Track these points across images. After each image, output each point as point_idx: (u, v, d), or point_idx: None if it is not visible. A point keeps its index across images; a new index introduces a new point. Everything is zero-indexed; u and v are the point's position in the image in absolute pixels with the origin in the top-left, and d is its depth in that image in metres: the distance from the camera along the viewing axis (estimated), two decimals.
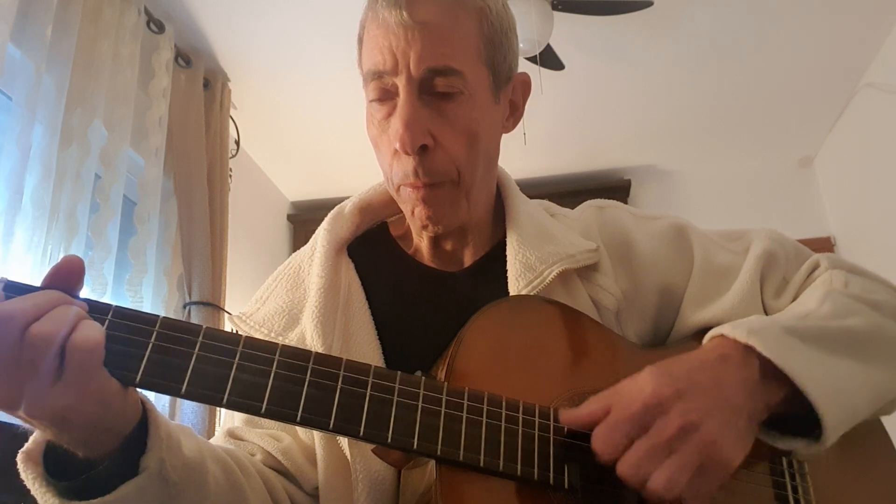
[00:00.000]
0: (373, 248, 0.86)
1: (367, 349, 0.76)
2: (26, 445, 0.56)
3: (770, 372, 0.63)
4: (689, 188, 3.99)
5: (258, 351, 0.57)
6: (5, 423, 0.58)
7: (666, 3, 2.66)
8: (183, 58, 2.67)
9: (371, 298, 0.81)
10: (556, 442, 0.62)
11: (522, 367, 0.67)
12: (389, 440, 0.58)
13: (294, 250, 0.91)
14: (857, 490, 0.74)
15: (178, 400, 2.25)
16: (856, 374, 0.67)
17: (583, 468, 0.62)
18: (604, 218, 0.87)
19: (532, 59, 2.68)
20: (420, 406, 0.60)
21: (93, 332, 0.51)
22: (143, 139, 2.37)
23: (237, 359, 0.56)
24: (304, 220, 4.00)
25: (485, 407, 0.62)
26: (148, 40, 2.42)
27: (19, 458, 0.55)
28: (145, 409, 0.58)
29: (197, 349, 0.55)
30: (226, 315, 2.55)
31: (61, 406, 0.50)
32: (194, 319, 2.47)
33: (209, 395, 0.55)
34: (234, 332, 0.71)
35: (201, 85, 2.74)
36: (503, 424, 0.61)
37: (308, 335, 0.76)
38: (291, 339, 0.77)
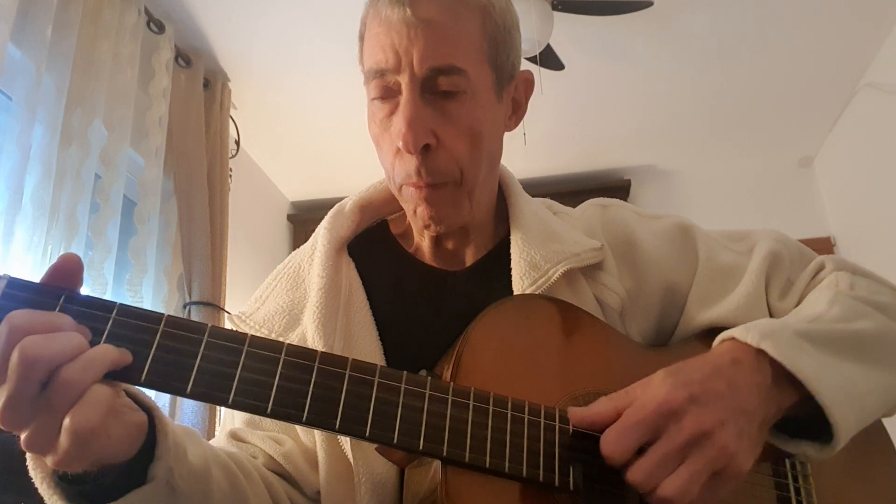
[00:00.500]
0: (373, 246, 0.86)
1: (368, 349, 0.76)
2: None
3: (782, 376, 0.62)
4: (689, 188, 3.99)
5: (263, 350, 0.57)
6: None
7: (666, 3, 2.66)
8: (183, 58, 2.66)
9: (372, 298, 0.80)
10: (561, 443, 0.62)
11: (528, 366, 0.67)
12: (395, 441, 0.57)
13: (294, 250, 0.90)
14: (858, 491, 0.74)
15: (179, 399, 2.25)
16: (866, 377, 0.66)
17: (588, 469, 0.61)
18: (607, 216, 0.86)
19: (532, 59, 2.68)
20: (426, 407, 0.59)
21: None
22: (143, 139, 2.36)
23: (243, 358, 0.55)
24: (304, 220, 4.00)
25: (490, 408, 0.61)
26: (148, 40, 2.42)
27: (28, 456, 0.55)
28: (152, 417, 0.57)
29: (202, 348, 0.55)
30: (226, 315, 2.55)
31: (65, 451, 0.49)
32: (194, 319, 2.46)
33: (214, 394, 0.54)
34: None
35: (201, 85, 2.74)
36: (509, 425, 0.61)
37: (309, 335, 0.75)
38: (292, 340, 0.76)
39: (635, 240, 0.83)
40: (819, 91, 3.29)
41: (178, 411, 2.32)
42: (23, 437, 0.49)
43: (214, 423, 2.38)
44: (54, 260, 0.55)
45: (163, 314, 0.55)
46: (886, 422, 0.78)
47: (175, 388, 0.53)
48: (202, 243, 2.53)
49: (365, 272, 0.82)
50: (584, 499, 0.61)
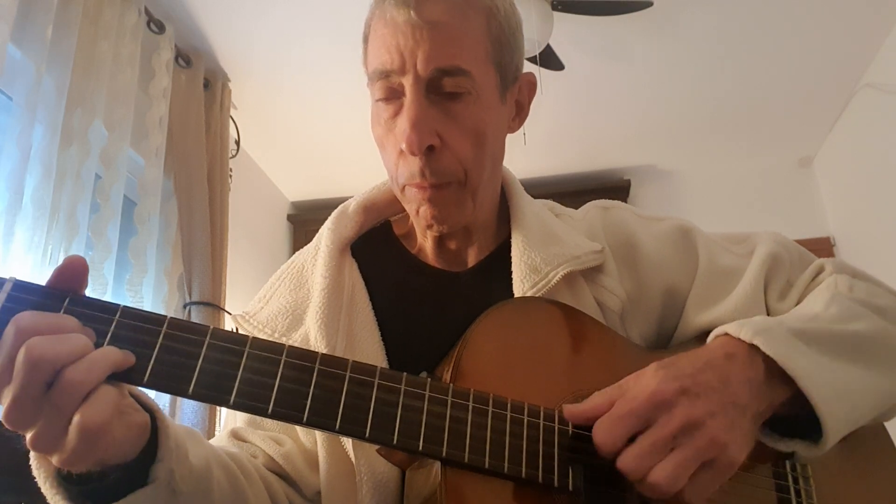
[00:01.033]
0: (376, 247, 0.86)
1: (370, 349, 0.76)
2: None
3: (774, 372, 0.63)
4: (689, 188, 3.99)
5: (265, 352, 0.57)
6: None
7: (666, 3, 2.66)
8: (183, 58, 2.66)
9: (374, 298, 0.81)
10: (560, 444, 0.62)
11: (527, 368, 0.67)
12: (395, 442, 0.58)
13: (294, 250, 0.91)
14: (859, 492, 0.74)
15: (180, 399, 2.25)
16: (859, 378, 0.67)
17: (587, 470, 0.62)
18: (608, 219, 0.87)
19: (532, 59, 2.68)
20: (426, 408, 0.59)
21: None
22: (143, 139, 2.37)
23: (244, 359, 0.56)
24: (304, 220, 4.00)
25: (490, 409, 0.61)
26: (148, 40, 2.42)
27: (32, 456, 0.55)
28: (155, 418, 0.58)
29: (204, 349, 0.55)
30: (226, 315, 2.55)
31: (71, 450, 0.50)
32: (194, 319, 2.47)
33: (216, 395, 0.55)
34: (237, 331, 0.71)
35: (201, 85, 2.74)
36: (508, 426, 0.61)
37: (312, 336, 0.76)
38: (295, 340, 0.77)
39: (636, 242, 0.83)
40: (819, 91, 3.29)
41: (178, 411, 2.32)
42: (28, 436, 0.50)
43: (214, 424, 2.38)
44: (55, 260, 0.55)
45: (165, 316, 0.55)
46: (887, 423, 0.78)
47: (177, 389, 0.54)
48: (202, 243, 2.53)
49: (368, 273, 0.83)
50: (588, 501, 0.61)
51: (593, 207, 0.89)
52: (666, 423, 0.57)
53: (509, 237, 0.82)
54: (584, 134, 3.63)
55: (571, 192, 3.61)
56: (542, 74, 2.76)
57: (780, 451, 0.67)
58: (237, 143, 3.19)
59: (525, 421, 0.62)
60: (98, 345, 0.52)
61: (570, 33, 2.81)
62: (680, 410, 0.57)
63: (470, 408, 0.61)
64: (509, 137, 0.85)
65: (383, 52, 0.72)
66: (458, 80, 0.71)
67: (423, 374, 0.62)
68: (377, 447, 0.66)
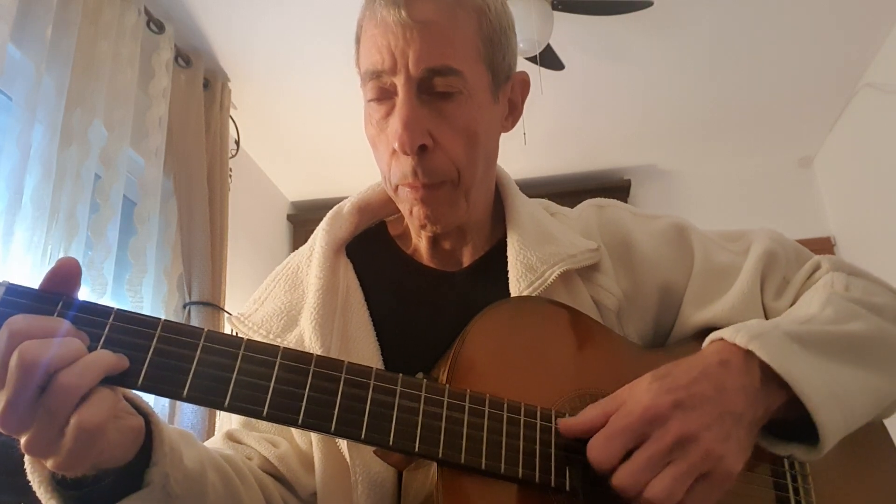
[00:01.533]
0: (371, 247, 0.86)
1: (365, 350, 0.76)
2: None
3: (770, 377, 0.62)
4: (689, 188, 3.99)
5: (259, 354, 0.57)
6: None
7: (666, 3, 2.66)
8: (183, 58, 2.66)
9: (369, 299, 0.80)
10: (557, 444, 0.62)
11: (524, 368, 0.67)
12: (391, 443, 0.58)
13: (294, 250, 0.91)
14: (858, 491, 0.74)
15: (178, 401, 2.24)
16: (856, 380, 0.66)
17: (584, 471, 0.61)
18: (604, 217, 0.86)
19: (532, 59, 2.68)
20: (421, 409, 0.59)
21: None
22: (143, 139, 2.37)
23: (239, 362, 0.56)
24: (304, 220, 4.00)
25: (486, 409, 0.61)
26: (148, 40, 2.42)
27: (26, 459, 0.55)
28: (149, 422, 0.58)
29: (199, 352, 0.55)
30: (226, 315, 2.55)
31: (66, 453, 0.50)
32: (194, 319, 2.47)
33: (211, 399, 0.55)
34: (234, 333, 0.71)
35: (201, 85, 2.74)
36: (504, 427, 0.61)
37: (306, 337, 0.76)
38: (290, 341, 0.77)
39: (632, 240, 0.83)
40: (819, 91, 3.29)
41: (177, 413, 2.32)
42: (22, 440, 0.50)
43: (214, 425, 2.38)
44: (54, 260, 0.56)
45: (160, 319, 0.55)
46: (886, 421, 0.78)
47: (171, 392, 0.54)
48: (202, 243, 2.53)
49: (363, 273, 0.83)
50: (585, 502, 0.61)
51: (588, 206, 0.89)
52: (660, 438, 0.57)
53: (504, 237, 0.82)
54: (584, 134, 3.63)
55: (571, 192, 3.61)
56: (542, 74, 2.75)
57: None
58: (237, 142, 3.19)
59: (522, 421, 0.62)
60: (92, 348, 0.52)
61: (570, 33, 2.81)
62: (674, 425, 0.57)
63: (466, 408, 0.61)
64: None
65: (374, 53, 0.72)
66: (449, 80, 0.71)
67: (420, 376, 0.62)
68: (374, 448, 0.66)
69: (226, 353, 0.56)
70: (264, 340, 0.76)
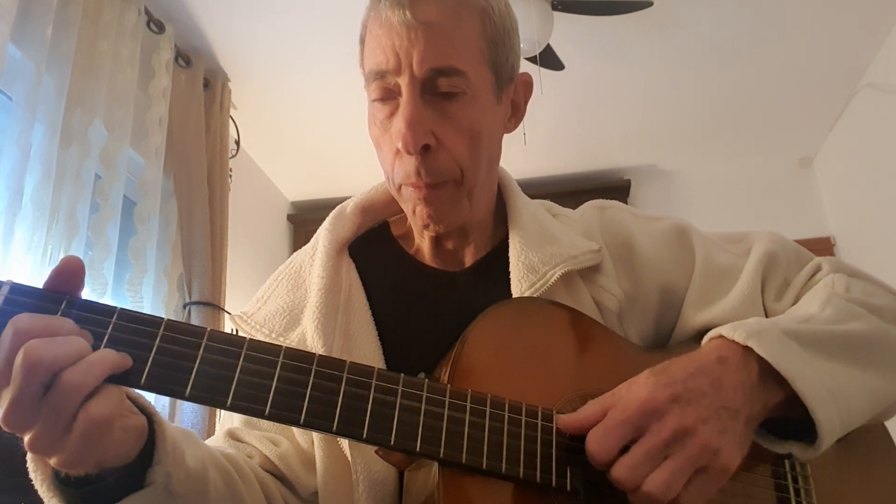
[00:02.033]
0: (374, 247, 0.86)
1: (367, 350, 0.76)
2: None
3: (768, 374, 0.63)
4: (689, 188, 3.99)
5: (261, 353, 0.57)
6: None
7: (666, 3, 2.66)
8: (183, 58, 2.67)
9: (372, 298, 0.81)
10: (558, 444, 0.62)
11: (526, 369, 0.67)
12: (392, 443, 0.58)
13: (294, 250, 0.91)
14: (858, 491, 0.74)
15: (178, 400, 2.25)
16: (854, 379, 0.66)
17: (585, 471, 0.62)
18: (605, 218, 0.87)
19: (532, 59, 2.68)
20: (423, 408, 0.59)
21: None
22: (143, 139, 2.37)
23: (241, 361, 0.56)
24: (304, 220, 4.00)
25: (487, 409, 0.61)
26: (148, 40, 2.42)
27: (29, 457, 0.55)
28: (152, 421, 0.58)
29: (201, 351, 0.55)
30: (226, 315, 2.55)
31: (71, 450, 0.51)
32: (194, 319, 2.47)
33: (213, 398, 0.55)
34: (235, 332, 0.71)
35: (201, 85, 2.74)
36: (506, 427, 0.61)
37: (309, 336, 0.76)
38: (292, 340, 0.77)
39: (633, 242, 0.83)
40: (819, 91, 3.29)
41: (177, 412, 2.33)
42: (26, 438, 0.50)
43: (214, 424, 2.38)
44: (54, 260, 0.56)
45: (162, 318, 0.56)
46: (886, 421, 0.78)
47: (174, 391, 0.54)
48: (202, 243, 2.53)
49: (365, 273, 0.83)
50: (585, 502, 0.61)
51: (590, 207, 0.89)
52: (657, 431, 0.57)
53: (506, 237, 0.82)
54: (584, 134, 3.63)
55: (571, 192, 3.61)
56: (542, 74, 2.76)
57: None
58: (237, 142, 3.19)
59: (523, 421, 0.62)
60: (95, 347, 0.53)
61: (570, 33, 2.81)
62: (671, 418, 0.57)
63: (467, 408, 0.61)
64: (509, 137, 0.85)
65: (379, 53, 0.72)
66: (452, 80, 0.71)
67: (421, 375, 0.62)
68: (375, 448, 0.66)
69: (228, 352, 0.56)
70: (267, 339, 0.76)
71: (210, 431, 2.36)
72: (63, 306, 0.53)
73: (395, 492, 0.71)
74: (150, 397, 0.60)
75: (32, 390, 0.48)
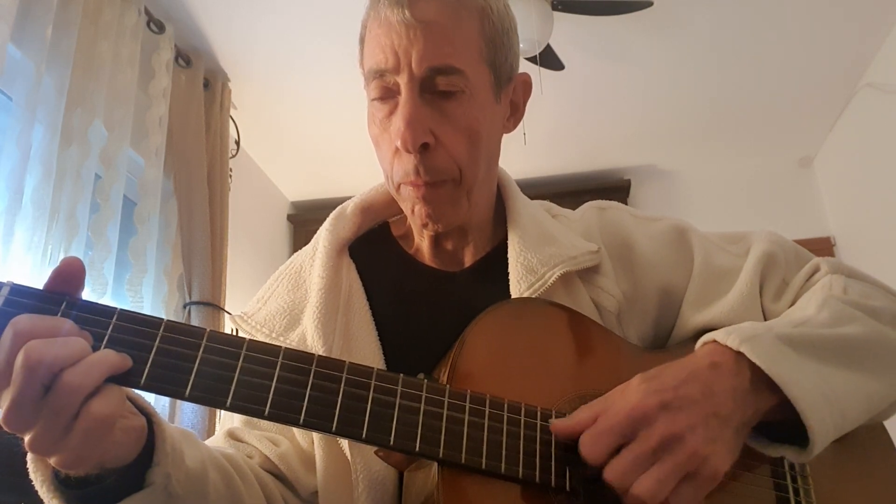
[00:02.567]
0: (374, 248, 0.86)
1: (367, 350, 0.76)
2: None
3: (761, 380, 0.62)
4: (689, 188, 3.99)
5: (261, 354, 0.57)
6: None
7: (666, 3, 2.66)
8: (183, 58, 2.67)
9: (372, 298, 0.81)
10: (557, 444, 0.62)
11: (525, 369, 0.67)
12: (391, 443, 0.58)
13: (294, 250, 0.91)
14: (858, 491, 0.74)
15: (178, 400, 2.25)
16: (848, 383, 0.66)
17: (584, 471, 0.62)
18: (604, 219, 0.87)
19: (532, 59, 2.68)
20: (422, 409, 0.60)
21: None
22: (143, 139, 2.37)
23: (240, 362, 0.56)
24: (304, 220, 4.00)
25: (487, 410, 0.62)
26: (148, 40, 2.42)
27: (29, 458, 0.55)
28: (151, 422, 0.58)
29: (201, 352, 0.55)
30: (226, 315, 2.55)
31: (72, 451, 0.51)
32: (194, 319, 2.47)
33: (212, 398, 0.55)
34: (235, 332, 0.71)
35: (201, 85, 2.74)
36: (505, 427, 0.61)
37: (309, 336, 0.76)
38: (292, 340, 0.77)
39: (632, 242, 0.83)
40: (819, 91, 3.29)
41: (177, 412, 2.33)
42: (27, 439, 0.50)
43: (214, 424, 2.38)
44: (54, 260, 0.56)
45: (162, 319, 0.56)
46: (886, 422, 0.78)
47: (173, 391, 0.54)
48: (202, 243, 2.53)
49: (365, 273, 0.83)
50: (585, 502, 0.61)
51: (590, 208, 0.89)
52: (646, 438, 0.57)
53: (506, 238, 0.82)
54: (584, 134, 3.63)
55: (571, 192, 3.61)
56: (542, 74, 2.76)
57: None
58: (237, 142, 3.19)
59: (522, 421, 0.62)
60: (95, 348, 0.53)
61: (570, 33, 2.81)
62: (660, 425, 0.58)
63: (467, 408, 0.61)
64: (509, 137, 0.86)
65: (378, 52, 0.72)
66: (451, 79, 0.72)
67: (421, 376, 0.62)
68: (375, 448, 0.66)
69: (228, 352, 0.56)
70: (267, 339, 0.76)
71: (210, 431, 2.36)
72: (63, 307, 0.54)
73: (394, 492, 0.71)
74: (149, 397, 0.60)
75: (33, 391, 0.49)
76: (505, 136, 0.84)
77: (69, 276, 0.54)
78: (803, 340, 0.66)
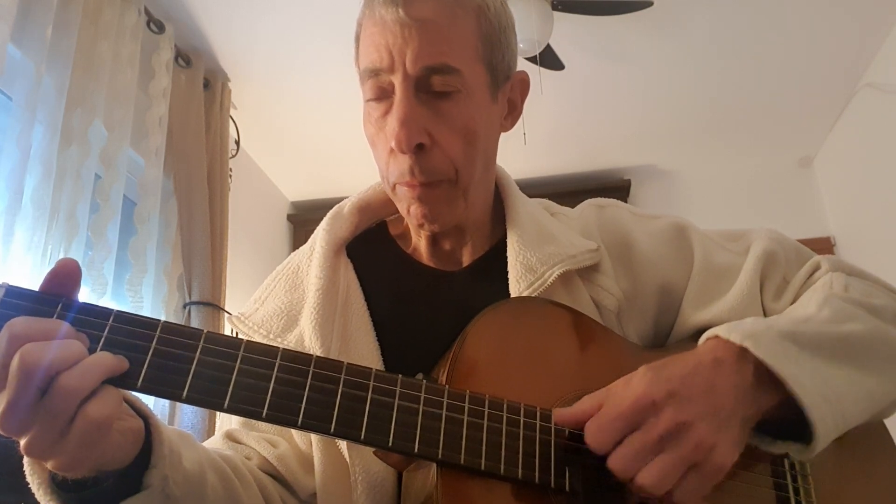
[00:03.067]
0: (372, 247, 0.86)
1: (365, 350, 0.76)
2: None
3: (764, 376, 0.62)
4: (689, 188, 3.99)
5: (259, 355, 0.57)
6: None
7: (666, 3, 2.66)
8: (183, 58, 2.66)
9: (370, 298, 0.80)
10: (557, 445, 0.62)
11: (524, 369, 0.67)
12: (390, 444, 0.58)
13: (294, 250, 0.91)
14: (858, 489, 0.74)
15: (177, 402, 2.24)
16: (851, 380, 0.66)
17: (584, 470, 0.62)
18: (604, 217, 0.86)
19: (532, 59, 2.68)
20: (421, 410, 0.59)
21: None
22: (143, 139, 2.37)
23: (238, 363, 0.56)
24: (304, 220, 4.00)
25: (486, 410, 0.61)
26: (148, 40, 2.42)
27: (25, 461, 0.55)
28: (149, 424, 0.58)
29: (198, 354, 0.55)
30: (226, 315, 2.55)
31: (69, 454, 0.51)
32: (194, 319, 2.47)
33: (210, 400, 0.55)
34: (234, 333, 0.71)
35: (201, 85, 2.74)
36: (504, 428, 0.61)
37: (307, 337, 0.76)
38: (290, 341, 0.77)
39: (631, 240, 0.83)
40: (819, 91, 3.29)
41: (177, 413, 2.33)
42: (22, 442, 0.50)
43: (214, 425, 2.38)
44: (54, 260, 0.56)
45: (159, 321, 0.55)
46: (887, 421, 0.78)
47: (171, 393, 0.54)
48: (202, 243, 2.53)
49: (363, 273, 0.83)
50: (583, 500, 0.61)
51: (589, 206, 0.89)
52: (653, 426, 0.57)
53: (504, 237, 0.81)
54: (584, 134, 3.63)
55: (571, 192, 3.61)
56: (542, 74, 2.75)
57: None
58: (237, 142, 3.19)
59: (521, 422, 0.62)
60: (91, 350, 0.53)
61: (570, 33, 2.81)
62: (667, 414, 0.57)
63: (466, 409, 0.61)
64: (509, 137, 0.85)
65: (373, 51, 0.72)
66: (447, 79, 0.71)
67: (419, 376, 0.62)
68: (374, 449, 0.66)
69: (225, 354, 0.56)
70: (264, 340, 0.76)
71: (210, 432, 2.36)
72: (59, 309, 0.53)
73: (393, 493, 0.71)
74: (148, 399, 0.60)
75: (29, 394, 0.48)
76: (504, 135, 0.83)
77: (65, 278, 0.54)
78: (805, 337, 0.66)
